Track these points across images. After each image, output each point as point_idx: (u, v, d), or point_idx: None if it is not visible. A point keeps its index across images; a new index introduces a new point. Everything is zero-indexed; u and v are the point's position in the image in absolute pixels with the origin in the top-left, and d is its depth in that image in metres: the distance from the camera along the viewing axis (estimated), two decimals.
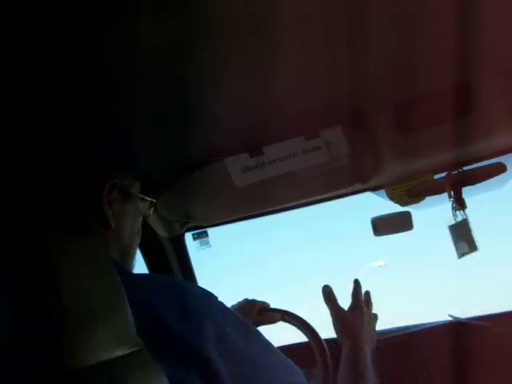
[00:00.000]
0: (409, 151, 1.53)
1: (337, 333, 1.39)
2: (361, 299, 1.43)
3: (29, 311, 0.57)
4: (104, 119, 0.99)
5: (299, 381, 0.95)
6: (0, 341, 0.56)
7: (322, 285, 1.46)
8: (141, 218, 1.02)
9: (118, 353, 0.59)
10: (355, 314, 1.39)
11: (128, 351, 0.60)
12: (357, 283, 1.46)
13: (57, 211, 0.72)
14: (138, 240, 1.02)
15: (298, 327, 1.58)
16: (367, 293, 1.49)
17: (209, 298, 0.86)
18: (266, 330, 1.48)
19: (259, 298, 1.58)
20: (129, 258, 0.99)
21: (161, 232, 1.83)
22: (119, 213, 0.93)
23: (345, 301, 1.44)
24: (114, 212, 0.91)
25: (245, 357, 0.84)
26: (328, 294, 1.43)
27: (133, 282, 0.77)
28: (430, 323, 1.86)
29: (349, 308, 1.42)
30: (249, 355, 0.85)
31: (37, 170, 0.83)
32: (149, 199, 1.03)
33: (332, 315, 1.41)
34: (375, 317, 1.46)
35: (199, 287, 0.87)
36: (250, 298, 1.58)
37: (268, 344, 0.93)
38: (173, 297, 0.79)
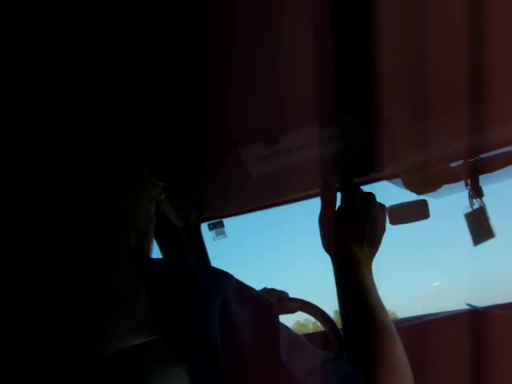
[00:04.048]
0: (424, 139, 1.53)
1: (323, 244, 1.11)
2: (355, 196, 1.11)
3: (52, 303, 0.58)
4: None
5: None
6: (24, 330, 0.57)
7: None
8: (154, 204, 1.03)
9: (136, 341, 0.60)
10: (348, 219, 1.07)
11: (145, 340, 0.61)
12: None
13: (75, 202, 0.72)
14: (153, 226, 1.02)
15: (316, 317, 1.58)
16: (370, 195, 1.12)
17: (220, 274, 0.81)
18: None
19: (278, 287, 1.59)
20: (146, 244, 0.99)
21: (177, 222, 1.84)
22: (133, 198, 0.95)
23: None
24: (128, 198, 0.92)
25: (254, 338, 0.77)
26: (327, 188, 1.15)
27: (150, 267, 0.77)
28: (446, 312, 1.86)
29: (338, 210, 1.10)
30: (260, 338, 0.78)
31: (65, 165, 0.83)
32: (160, 183, 1.03)
33: (319, 216, 1.12)
34: (382, 223, 1.11)
35: (212, 267, 0.84)
36: (269, 287, 1.58)
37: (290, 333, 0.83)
38: (180, 278, 0.77)
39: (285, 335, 0.80)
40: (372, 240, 1.06)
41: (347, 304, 1.00)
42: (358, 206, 1.07)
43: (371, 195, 1.11)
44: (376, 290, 1.01)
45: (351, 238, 1.04)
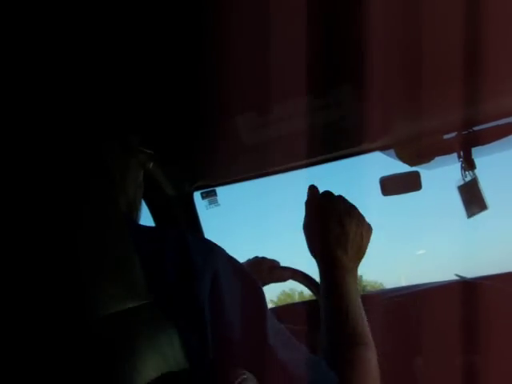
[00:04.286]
0: (418, 110, 1.53)
1: (309, 250, 1.11)
2: (334, 205, 1.09)
3: (45, 267, 0.58)
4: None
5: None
6: (17, 294, 0.57)
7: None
8: (142, 171, 1.03)
9: (129, 305, 0.60)
10: (328, 226, 1.06)
11: (138, 304, 0.62)
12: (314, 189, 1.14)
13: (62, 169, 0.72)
14: (141, 193, 1.03)
15: (307, 286, 1.60)
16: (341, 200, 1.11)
17: (213, 248, 0.82)
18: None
19: (268, 256, 1.60)
20: (134, 211, 1.00)
21: (169, 190, 1.84)
22: (121, 165, 0.95)
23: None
24: (117, 165, 0.93)
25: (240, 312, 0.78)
26: (311, 198, 1.13)
27: (140, 233, 0.77)
28: (436, 282, 1.88)
29: (322, 216, 1.09)
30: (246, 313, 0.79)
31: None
32: (148, 151, 1.03)
33: (303, 225, 1.13)
34: (366, 228, 1.10)
35: (205, 239, 0.84)
36: (260, 255, 1.59)
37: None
38: (174, 248, 0.77)
39: (272, 321, 0.82)
40: (357, 243, 1.07)
41: (328, 310, 1.02)
42: (340, 211, 1.07)
43: (353, 206, 1.11)
44: (358, 297, 1.03)
45: (335, 243, 1.05)
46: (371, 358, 0.96)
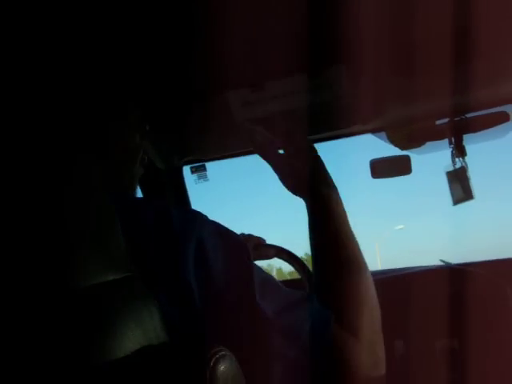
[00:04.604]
0: (411, 94, 1.52)
1: (296, 189, 1.09)
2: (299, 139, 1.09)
3: (22, 235, 0.57)
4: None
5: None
6: None
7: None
8: (141, 147, 1.01)
9: (110, 277, 0.60)
10: (300, 160, 1.06)
11: (119, 276, 0.61)
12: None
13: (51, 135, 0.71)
14: (138, 170, 1.01)
15: (292, 264, 1.61)
16: None
17: (194, 216, 0.81)
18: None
19: (254, 234, 1.60)
20: (134, 183, 0.98)
21: (159, 163, 1.83)
22: (120, 142, 0.93)
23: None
24: (115, 141, 0.91)
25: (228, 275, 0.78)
26: (256, 140, 1.16)
27: (124, 205, 0.76)
28: (420, 267, 1.89)
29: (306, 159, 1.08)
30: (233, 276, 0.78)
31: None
32: (147, 127, 1.02)
33: (275, 169, 1.12)
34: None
35: (187, 208, 0.83)
36: (246, 233, 1.59)
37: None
38: (155, 219, 0.76)
39: (257, 276, 0.81)
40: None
41: (320, 236, 0.98)
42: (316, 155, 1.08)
43: None
44: (348, 223, 0.99)
45: (323, 181, 1.04)
46: (368, 286, 0.93)
